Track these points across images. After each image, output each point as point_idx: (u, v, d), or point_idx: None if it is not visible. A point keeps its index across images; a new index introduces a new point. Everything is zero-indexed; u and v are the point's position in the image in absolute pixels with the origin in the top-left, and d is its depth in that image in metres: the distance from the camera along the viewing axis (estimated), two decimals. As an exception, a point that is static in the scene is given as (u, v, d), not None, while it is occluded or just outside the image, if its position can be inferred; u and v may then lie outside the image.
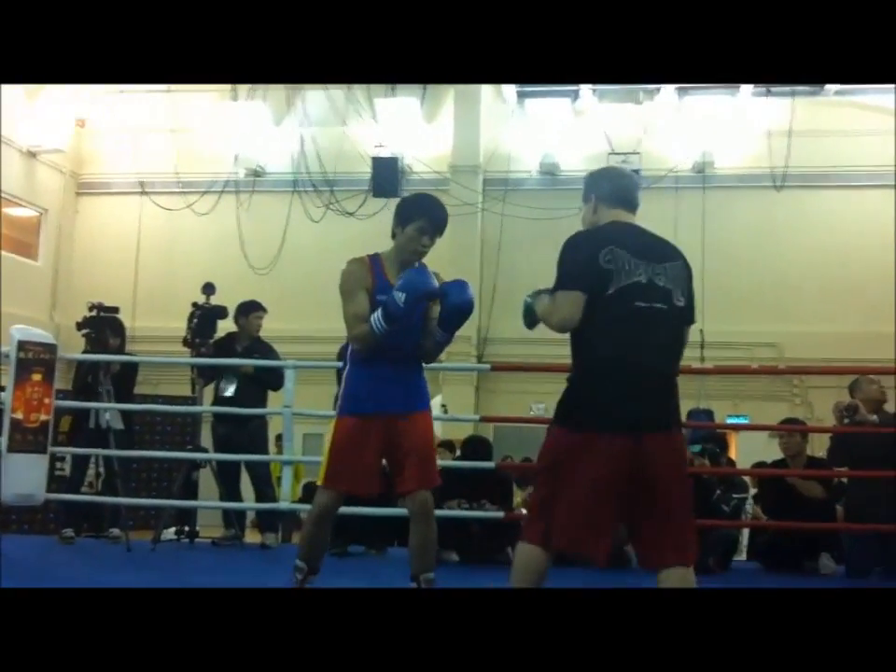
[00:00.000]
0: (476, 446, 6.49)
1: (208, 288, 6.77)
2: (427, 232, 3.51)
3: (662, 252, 2.93)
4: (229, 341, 6.90)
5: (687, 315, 2.95)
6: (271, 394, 6.78)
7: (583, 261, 2.81)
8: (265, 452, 6.78)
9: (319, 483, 3.59)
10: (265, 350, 6.79)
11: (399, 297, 3.32)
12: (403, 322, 3.39)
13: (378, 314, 3.39)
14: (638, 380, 2.78)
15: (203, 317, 6.70)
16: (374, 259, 3.58)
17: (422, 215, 3.53)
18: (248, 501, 6.88)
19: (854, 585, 5.39)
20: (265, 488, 6.70)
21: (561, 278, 2.85)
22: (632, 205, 3.02)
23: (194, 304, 7.01)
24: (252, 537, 6.89)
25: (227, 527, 6.66)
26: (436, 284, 3.41)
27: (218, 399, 6.65)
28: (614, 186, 3.05)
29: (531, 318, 3.04)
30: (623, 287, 2.79)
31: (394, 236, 3.60)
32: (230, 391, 6.59)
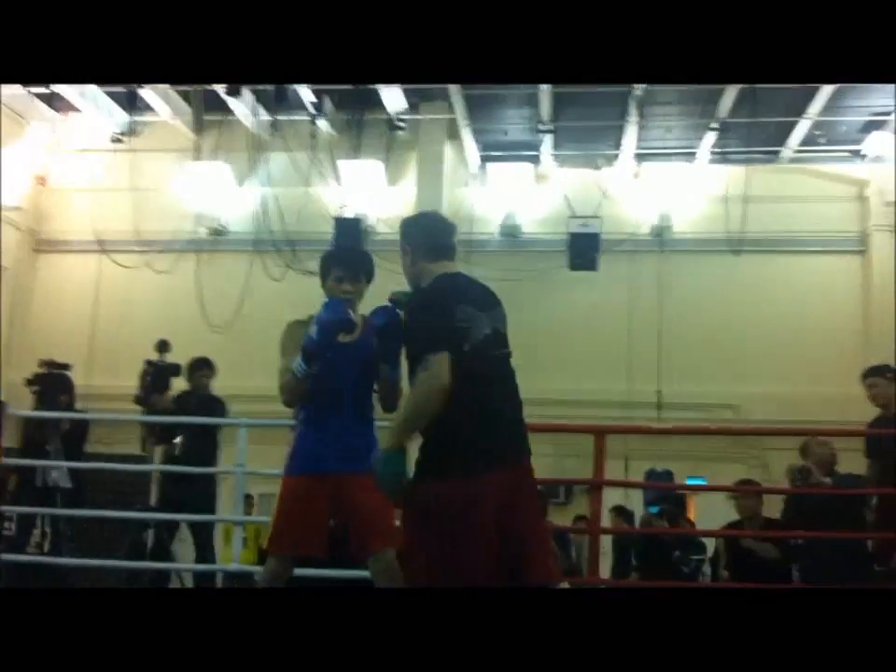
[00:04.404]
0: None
1: (162, 346, 6.73)
2: (344, 279, 3.58)
3: (492, 300, 3.06)
4: (180, 399, 6.85)
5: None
6: (226, 452, 6.70)
7: (443, 322, 2.88)
8: (210, 510, 6.68)
9: (264, 546, 3.58)
10: (212, 405, 6.77)
11: (312, 330, 3.33)
12: (321, 359, 3.36)
13: (297, 357, 3.38)
14: (504, 421, 2.92)
15: (157, 375, 6.65)
16: None
17: (334, 265, 3.63)
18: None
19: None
20: (205, 548, 6.57)
21: (429, 341, 2.86)
22: (452, 253, 3.10)
23: (147, 362, 6.95)
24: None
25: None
26: (350, 314, 3.42)
27: (168, 458, 6.58)
28: (430, 237, 3.10)
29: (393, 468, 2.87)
30: (478, 342, 2.89)
31: None
32: (177, 449, 6.55)
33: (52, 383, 6.73)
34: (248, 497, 7.18)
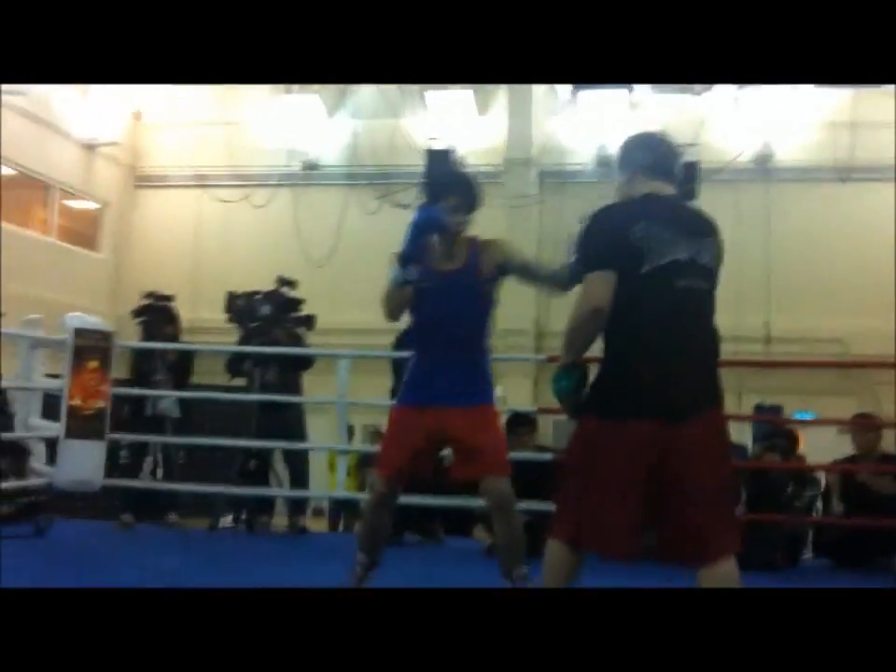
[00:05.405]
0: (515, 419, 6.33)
1: (285, 282, 6.75)
2: (460, 210, 3.46)
3: (702, 227, 2.74)
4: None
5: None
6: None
7: (613, 238, 2.62)
8: (303, 438, 6.74)
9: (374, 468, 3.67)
10: (296, 339, 6.80)
11: (406, 234, 3.31)
12: (417, 259, 3.33)
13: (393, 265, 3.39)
14: (675, 363, 2.59)
15: (279, 306, 6.68)
16: None
17: (454, 192, 3.50)
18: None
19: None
20: (300, 476, 6.65)
21: (588, 258, 2.67)
22: (672, 176, 2.82)
23: (249, 294, 6.94)
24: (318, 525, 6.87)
25: (293, 515, 6.60)
26: (443, 215, 3.37)
27: (261, 387, 6.59)
28: (653, 154, 2.83)
29: (565, 384, 2.78)
30: (661, 266, 2.59)
31: None
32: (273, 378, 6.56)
33: (157, 314, 6.83)
34: (350, 428, 7.24)
